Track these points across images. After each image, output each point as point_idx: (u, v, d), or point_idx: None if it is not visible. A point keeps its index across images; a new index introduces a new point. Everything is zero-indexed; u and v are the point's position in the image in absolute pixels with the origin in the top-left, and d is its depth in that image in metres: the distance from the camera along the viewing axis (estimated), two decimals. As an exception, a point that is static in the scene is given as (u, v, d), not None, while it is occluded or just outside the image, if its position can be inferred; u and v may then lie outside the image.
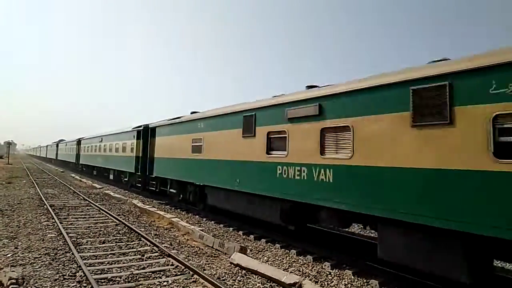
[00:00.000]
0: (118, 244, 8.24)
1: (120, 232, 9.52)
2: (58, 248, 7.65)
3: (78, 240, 8.43)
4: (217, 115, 11.42)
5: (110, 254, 7.40)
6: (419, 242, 5.53)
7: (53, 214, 11.50)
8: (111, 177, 24.99)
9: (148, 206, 13.72)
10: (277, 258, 7.68)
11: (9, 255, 7.03)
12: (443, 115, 5.13)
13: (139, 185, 18.73)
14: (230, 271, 6.54)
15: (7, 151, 60.63)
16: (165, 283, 5.76)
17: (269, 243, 8.96)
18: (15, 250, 7.45)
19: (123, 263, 6.81)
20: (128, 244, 8.22)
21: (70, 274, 6.07)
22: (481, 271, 5.23)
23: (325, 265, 7.13)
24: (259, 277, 6.21)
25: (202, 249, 8.14)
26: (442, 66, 5.38)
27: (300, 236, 9.18)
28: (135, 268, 6.49)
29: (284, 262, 7.40)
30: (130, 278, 5.94)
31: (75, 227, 9.98)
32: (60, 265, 6.53)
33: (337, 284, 6.18)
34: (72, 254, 7.22)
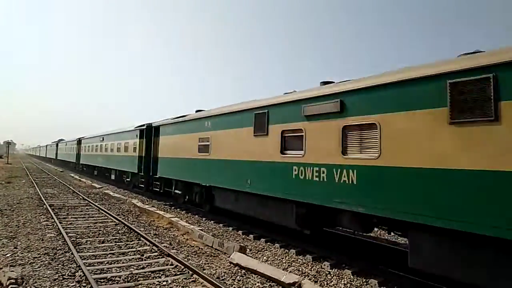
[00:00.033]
0: (117, 243, 8.24)
1: (119, 231, 9.52)
2: (58, 248, 7.64)
3: (77, 239, 8.43)
4: (226, 113, 10.89)
5: (110, 253, 7.40)
6: (465, 251, 4.95)
7: (53, 214, 11.49)
8: (113, 177, 24.67)
9: (147, 206, 13.71)
10: (276, 257, 7.68)
11: (8, 255, 7.03)
12: (486, 111, 4.65)
13: (142, 185, 18.35)
14: (229, 270, 6.54)
15: (6, 151, 60.58)
16: (164, 283, 5.76)
17: (268, 243, 8.96)
18: (15, 250, 7.45)
19: (123, 262, 6.81)
20: (127, 244, 8.21)
21: (69, 274, 6.06)
22: None
23: (324, 265, 7.13)
24: (259, 276, 6.22)
25: (201, 248, 8.14)
26: (485, 57, 4.90)
27: (316, 241, 8.73)
28: (135, 267, 6.49)
29: (284, 261, 7.41)
30: (129, 278, 5.93)
31: (75, 226, 9.98)
32: (60, 265, 6.53)
33: (336, 284, 6.19)
34: (72, 254, 7.22)
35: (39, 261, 6.73)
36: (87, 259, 6.88)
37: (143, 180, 18.17)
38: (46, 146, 73.46)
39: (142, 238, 8.75)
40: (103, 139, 26.50)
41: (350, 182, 6.45)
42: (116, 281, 5.82)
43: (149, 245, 8.12)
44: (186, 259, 7.04)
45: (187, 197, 13.96)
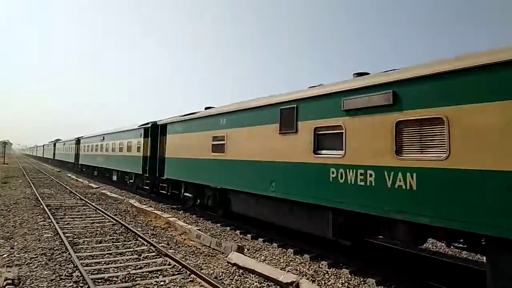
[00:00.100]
0: (115, 244, 8.22)
1: (117, 232, 9.50)
2: (55, 248, 7.62)
3: (74, 240, 8.40)
4: (244, 109, 9.87)
5: (107, 254, 7.39)
6: None
7: (50, 214, 11.45)
8: (115, 178, 23.39)
9: (144, 206, 13.68)
10: (274, 257, 7.69)
11: (5, 256, 7.00)
12: None
13: (147, 187, 17.33)
14: (227, 270, 6.54)
15: (2, 151, 60.24)
16: (162, 283, 5.75)
17: (266, 243, 8.96)
18: (11, 250, 7.41)
19: (120, 263, 6.80)
20: (125, 244, 8.20)
21: (66, 274, 6.05)
22: None
23: (322, 264, 7.14)
24: (256, 276, 6.22)
25: (199, 248, 8.13)
26: None
27: (357, 253, 7.67)
28: (132, 268, 6.47)
29: (281, 261, 7.41)
30: (127, 278, 5.92)
31: (72, 227, 9.95)
32: (57, 265, 6.51)
33: (334, 283, 6.20)
34: (69, 254, 7.19)
35: (36, 261, 6.71)
36: (84, 259, 6.87)
37: (147, 181, 17.22)
38: (43, 146, 73.11)
39: (139, 238, 8.73)
40: (103, 139, 25.30)
41: (407, 187, 5.49)
42: (114, 282, 5.80)
43: (146, 245, 8.10)
44: (183, 259, 7.03)
45: (198, 200, 13.14)
